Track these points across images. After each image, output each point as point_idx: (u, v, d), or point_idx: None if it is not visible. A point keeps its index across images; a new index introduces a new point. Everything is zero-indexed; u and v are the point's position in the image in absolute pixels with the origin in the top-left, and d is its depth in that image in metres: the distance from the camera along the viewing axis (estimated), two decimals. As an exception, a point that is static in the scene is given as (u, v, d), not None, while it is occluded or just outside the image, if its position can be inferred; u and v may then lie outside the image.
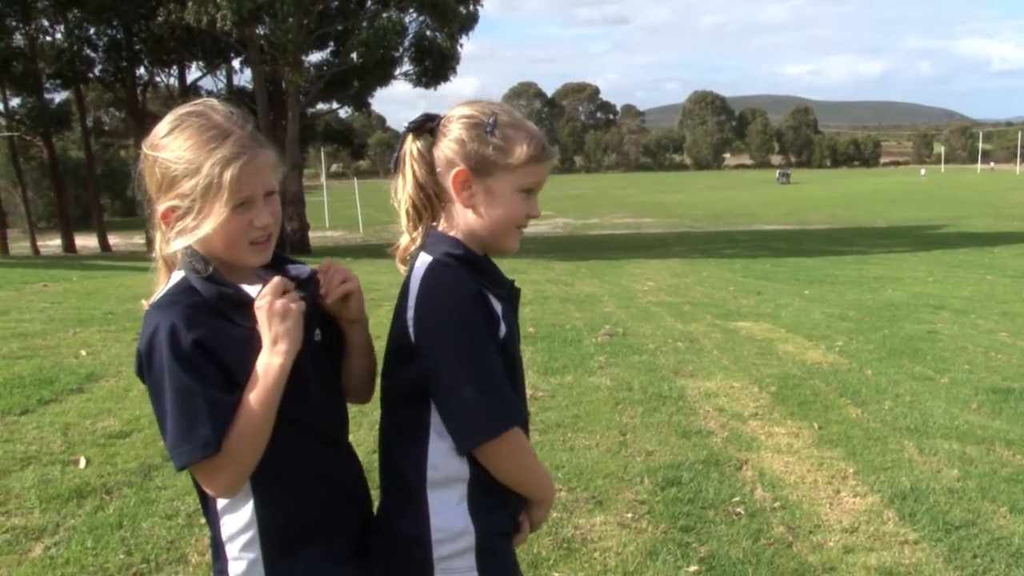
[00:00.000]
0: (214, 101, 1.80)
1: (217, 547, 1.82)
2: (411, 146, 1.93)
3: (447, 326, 1.78)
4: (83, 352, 7.84)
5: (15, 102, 41.93)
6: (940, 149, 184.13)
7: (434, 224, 1.93)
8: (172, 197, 1.73)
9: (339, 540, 1.85)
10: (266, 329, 1.71)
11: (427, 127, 1.92)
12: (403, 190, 1.95)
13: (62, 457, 5.00)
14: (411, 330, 1.81)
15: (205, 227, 1.71)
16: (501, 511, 1.89)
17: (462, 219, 1.89)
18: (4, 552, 3.81)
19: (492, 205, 1.87)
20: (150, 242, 1.87)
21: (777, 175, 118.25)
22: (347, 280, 1.88)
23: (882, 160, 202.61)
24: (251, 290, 1.79)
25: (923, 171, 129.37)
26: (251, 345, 1.72)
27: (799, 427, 5.93)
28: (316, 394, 1.82)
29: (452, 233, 1.90)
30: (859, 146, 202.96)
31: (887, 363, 8.19)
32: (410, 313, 1.83)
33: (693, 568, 3.72)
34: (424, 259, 1.89)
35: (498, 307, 1.86)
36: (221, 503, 1.79)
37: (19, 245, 45.39)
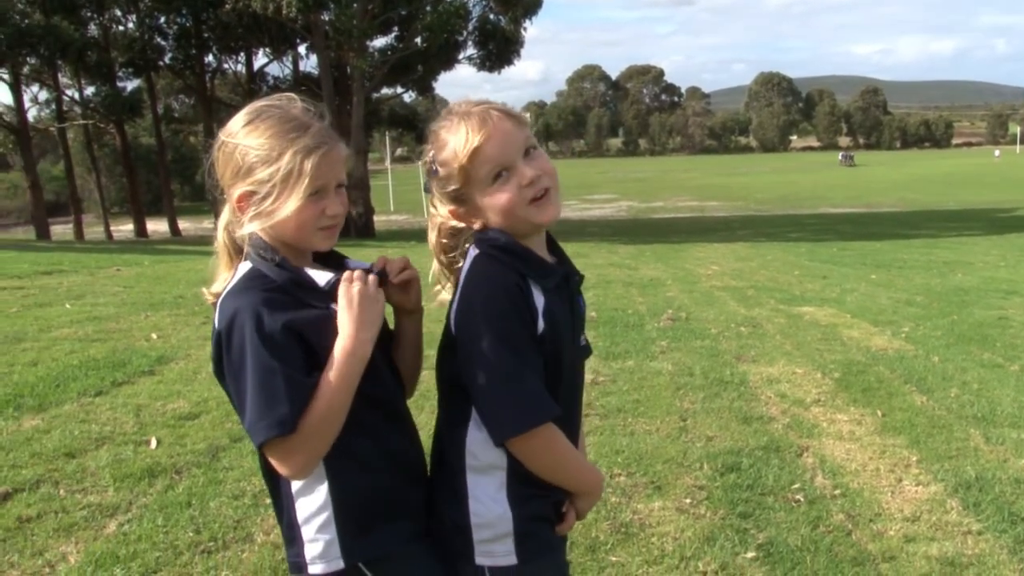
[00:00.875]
0: (293, 95, 1.89)
1: (292, 529, 1.86)
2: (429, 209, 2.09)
3: (481, 319, 1.80)
4: (154, 335, 8.06)
5: (89, 91, 42.96)
6: (1016, 129, 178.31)
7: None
8: (250, 183, 1.81)
9: (408, 518, 1.90)
10: (353, 314, 1.77)
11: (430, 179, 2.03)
12: (434, 234, 2.11)
13: (134, 437, 5.17)
14: (452, 320, 1.86)
15: (283, 211, 1.79)
16: (541, 499, 1.91)
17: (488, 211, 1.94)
18: (81, 528, 3.96)
19: (494, 202, 1.92)
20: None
21: (840, 157, 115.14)
22: (407, 268, 1.94)
23: (954, 141, 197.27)
24: (315, 275, 1.85)
25: (997, 152, 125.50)
26: (328, 326, 1.78)
27: (862, 414, 5.87)
28: (385, 372, 1.90)
29: (484, 218, 1.92)
30: (930, 127, 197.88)
31: (954, 350, 8.04)
32: (454, 306, 1.88)
33: (751, 554, 3.72)
34: (472, 251, 1.93)
35: (539, 300, 1.86)
36: (296, 486, 1.84)
37: (93, 230, 46.62)
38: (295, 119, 1.81)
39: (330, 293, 1.82)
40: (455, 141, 1.86)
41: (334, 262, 1.98)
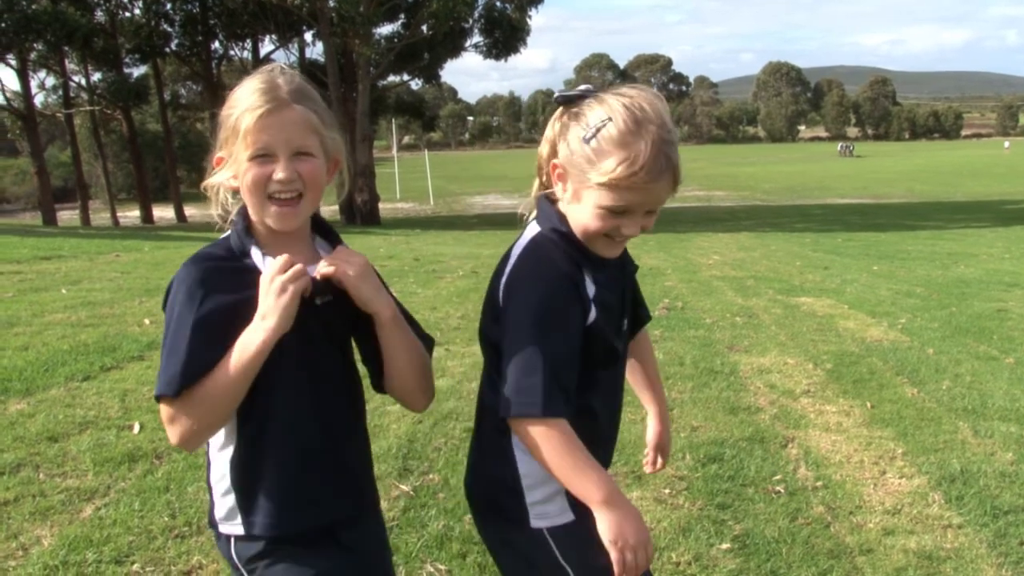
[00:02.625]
0: (284, 67, 1.84)
1: (208, 486, 1.93)
2: (556, 118, 1.91)
3: (529, 298, 1.80)
4: (147, 321, 8.06)
5: (96, 77, 42.99)
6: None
7: (550, 191, 1.94)
8: (219, 147, 1.84)
9: (317, 508, 1.90)
10: (261, 302, 1.74)
11: (576, 102, 1.87)
12: (540, 149, 1.97)
13: (118, 422, 5.17)
14: (501, 292, 1.86)
15: (226, 172, 1.82)
16: None
17: (563, 203, 1.92)
18: (57, 511, 3.96)
19: (577, 209, 1.86)
20: (224, 211, 1.94)
21: (839, 148, 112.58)
22: (349, 259, 1.86)
23: (964, 132, 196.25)
24: (263, 260, 1.83)
25: (1007, 143, 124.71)
26: (249, 311, 1.76)
27: (851, 405, 5.83)
28: (321, 339, 1.86)
29: (559, 208, 1.91)
30: (939, 118, 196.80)
31: (950, 342, 7.99)
32: (504, 277, 1.87)
33: (726, 546, 3.69)
34: (532, 228, 1.93)
35: (591, 290, 1.86)
36: (212, 445, 1.89)
37: (100, 216, 46.71)
38: (264, 83, 1.78)
39: None
40: (627, 153, 1.76)
41: (328, 231, 1.98)
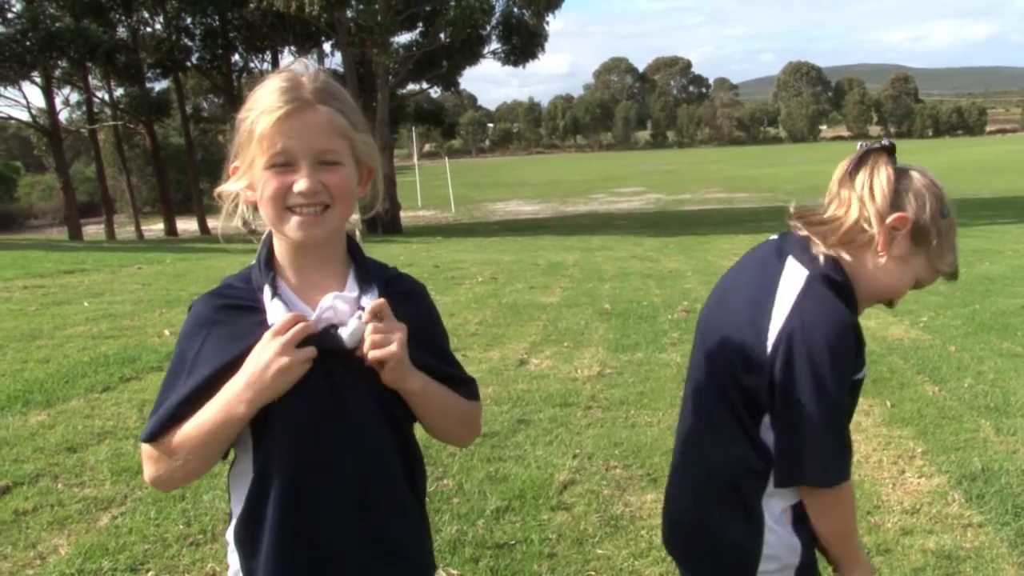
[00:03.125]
0: (307, 61, 1.62)
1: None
2: (886, 167, 1.83)
3: (823, 355, 1.68)
4: (166, 332, 8.11)
5: (119, 92, 43.41)
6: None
7: (812, 230, 1.84)
8: (234, 156, 1.62)
9: None
10: (247, 371, 1.51)
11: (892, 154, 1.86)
12: (841, 187, 1.88)
13: (136, 432, 5.20)
14: (771, 341, 1.73)
15: (241, 181, 1.60)
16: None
17: (869, 256, 1.81)
18: (75, 520, 3.99)
19: (896, 271, 1.81)
20: (245, 223, 1.73)
21: (859, 147, 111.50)
22: (385, 344, 1.55)
23: (988, 128, 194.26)
24: (273, 308, 1.57)
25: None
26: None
27: (871, 405, 5.78)
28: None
29: (838, 253, 1.81)
30: (963, 114, 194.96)
31: (973, 339, 7.90)
32: (776, 323, 1.73)
33: (741, 547, 3.66)
34: (798, 269, 1.80)
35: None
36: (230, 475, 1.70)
37: (125, 230, 47.17)
38: (283, 82, 1.55)
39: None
40: (953, 247, 1.85)
41: (367, 272, 1.67)
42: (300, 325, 1.51)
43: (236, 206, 1.65)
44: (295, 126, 1.52)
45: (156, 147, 45.21)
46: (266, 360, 1.49)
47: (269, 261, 1.63)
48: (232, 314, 1.59)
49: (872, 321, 8.80)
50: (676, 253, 18.38)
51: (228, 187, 1.63)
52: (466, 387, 1.77)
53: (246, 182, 1.59)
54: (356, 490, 1.59)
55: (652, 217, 37.51)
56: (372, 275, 1.66)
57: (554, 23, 37.99)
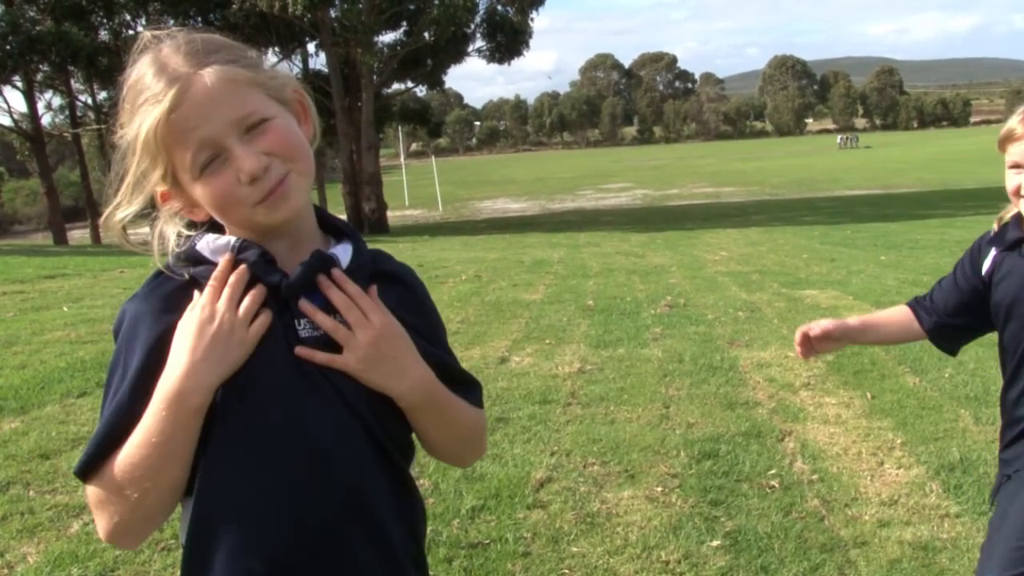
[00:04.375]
0: (152, 31, 1.30)
1: None
2: None
3: None
4: (146, 335, 8.04)
5: (102, 95, 43.19)
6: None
7: None
8: (129, 181, 1.30)
9: None
10: (187, 345, 1.23)
11: None
12: None
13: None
14: None
15: (174, 205, 1.32)
16: None
17: None
18: (45, 528, 3.94)
19: None
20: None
21: (839, 140, 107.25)
22: (346, 338, 1.29)
23: (973, 119, 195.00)
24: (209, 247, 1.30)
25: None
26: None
27: (851, 397, 5.77)
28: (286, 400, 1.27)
29: None
30: (947, 106, 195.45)
31: (955, 329, 7.89)
32: None
33: (716, 543, 3.64)
34: None
35: None
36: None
37: (111, 234, 46.90)
38: (148, 67, 1.24)
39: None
40: None
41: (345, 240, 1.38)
42: (242, 267, 1.25)
43: (163, 233, 1.36)
44: (189, 113, 1.20)
45: (141, 150, 45.04)
46: (204, 333, 1.21)
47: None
48: (180, 298, 1.29)
49: (855, 313, 8.79)
50: (662, 248, 18.37)
51: (122, 212, 1.34)
52: (473, 393, 1.48)
53: (180, 204, 1.31)
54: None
55: (639, 213, 37.51)
56: (352, 237, 1.38)
57: (539, 20, 37.87)
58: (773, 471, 4.44)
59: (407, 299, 1.42)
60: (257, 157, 1.21)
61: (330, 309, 1.29)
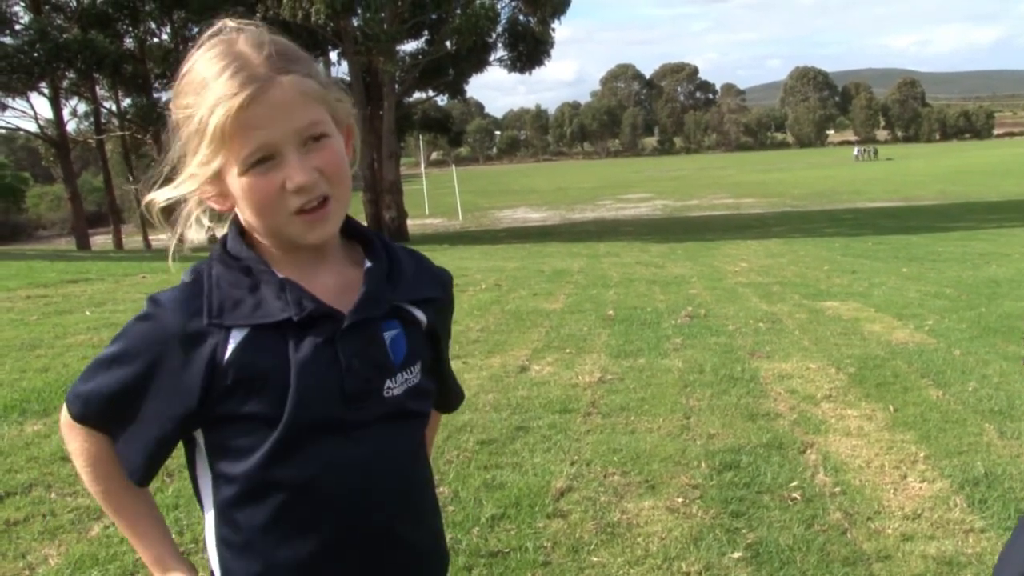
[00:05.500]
0: (237, 23, 1.34)
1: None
2: None
3: None
4: (167, 340, 8.08)
5: (126, 103, 43.56)
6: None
7: None
8: (177, 160, 1.34)
9: None
10: None
11: None
12: None
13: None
14: None
15: (186, 185, 1.33)
16: None
17: None
18: (66, 530, 3.95)
19: None
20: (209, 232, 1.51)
21: (855, 152, 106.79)
22: None
23: (996, 132, 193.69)
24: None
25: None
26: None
27: (873, 409, 5.72)
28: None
29: None
30: (970, 118, 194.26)
31: (978, 342, 7.83)
32: None
33: (738, 554, 3.61)
34: None
35: None
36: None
37: (134, 239, 47.24)
38: (226, 60, 1.27)
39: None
40: None
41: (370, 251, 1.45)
42: None
43: (188, 219, 1.42)
44: (262, 112, 1.25)
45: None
46: None
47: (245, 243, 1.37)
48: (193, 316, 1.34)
49: (877, 325, 8.74)
50: (683, 259, 18.32)
51: (167, 193, 1.36)
52: (457, 403, 1.70)
53: (193, 186, 1.33)
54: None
55: (659, 223, 37.43)
56: (399, 257, 1.45)
57: (560, 30, 37.99)
58: (795, 483, 4.41)
59: (448, 305, 1.54)
60: (309, 171, 1.27)
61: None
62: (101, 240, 46.13)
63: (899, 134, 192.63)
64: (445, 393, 1.62)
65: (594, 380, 6.63)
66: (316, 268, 1.37)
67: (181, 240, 1.45)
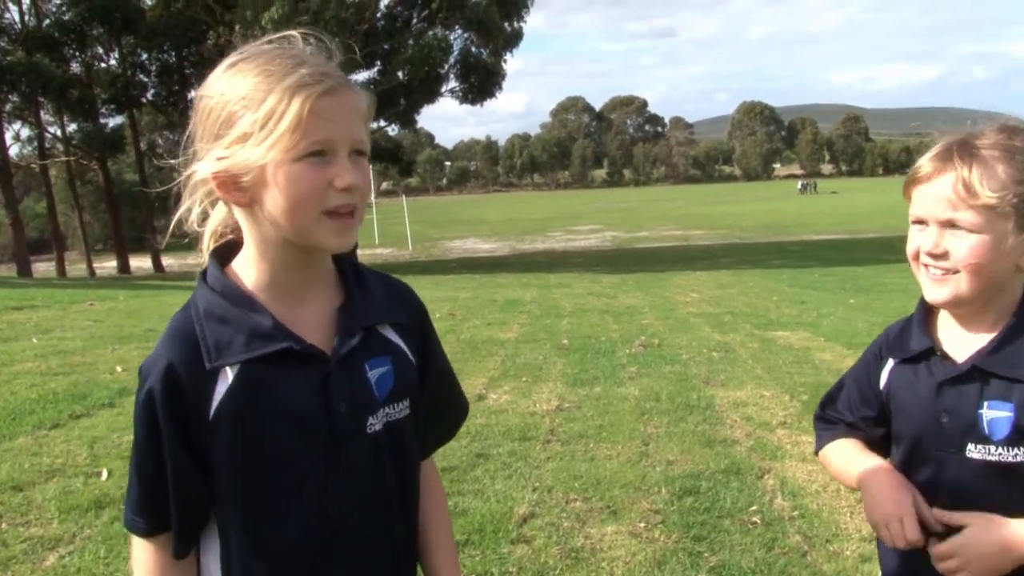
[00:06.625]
0: (293, 34, 1.39)
1: None
2: None
3: None
4: (119, 368, 7.96)
5: (72, 127, 42.96)
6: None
7: None
8: (229, 143, 1.31)
9: None
10: None
11: None
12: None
13: (86, 469, 5.08)
14: None
15: (256, 156, 1.28)
16: None
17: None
18: (19, 561, 3.87)
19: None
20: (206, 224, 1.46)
21: (799, 186, 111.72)
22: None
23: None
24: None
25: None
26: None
27: (827, 436, 5.81)
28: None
29: None
30: (911, 153, 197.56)
31: (926, 371, 7.99)
32: None
33: (701, 577, 3.65)
34: None
35: None
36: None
37: (77, 267, 46.42)
38: (293, 56, 1.32)
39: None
40: None
41: (360, 276, 1.49)
42: None
43: (195, 202, 1.41)
44: (337, 108, 1.29)
45: (109, 183, 44.71)
46: None
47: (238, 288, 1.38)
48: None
49: (828, 354, 8.90)
50: (634, 289, 18.46)
51: (209, 167, 1.34)
52: (462, 418, 1.72)
53: (258, 158, 1.28)
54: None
55: (609, 255, 37.72)
56: (367, 279, 1.49)
57: (511, 62, 38.32)
58: (754, 507, 4.46)
59: (423, 319, 1.60)
60: (355, 174, 1.31)
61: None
62: (43, 267, 45.22)
63: (843, 168, 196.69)
64: (450, 412, 1.66)
65: (552, 408, 6.65)
66: (303, 299, 1.41)
67: (182, 223, 1.43)
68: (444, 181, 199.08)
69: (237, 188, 1.33)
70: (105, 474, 4.98)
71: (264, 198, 1.31)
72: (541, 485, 4.85)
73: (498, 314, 13.12)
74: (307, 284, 1.42)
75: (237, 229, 1.41)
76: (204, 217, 1.43)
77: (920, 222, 1.66)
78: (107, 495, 4.63)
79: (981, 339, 1.61)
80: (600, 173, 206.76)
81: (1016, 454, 1.52)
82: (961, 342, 1.65)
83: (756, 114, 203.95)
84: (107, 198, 45.72)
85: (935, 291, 1.61)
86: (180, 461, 1.32)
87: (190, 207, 1.41)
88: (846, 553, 3.91)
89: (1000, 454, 1.53)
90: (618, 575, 3.68)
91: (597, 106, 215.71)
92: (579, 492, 4.71)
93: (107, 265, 46.59)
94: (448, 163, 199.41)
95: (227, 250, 1.43)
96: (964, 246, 1.56)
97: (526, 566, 3.75)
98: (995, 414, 1.54)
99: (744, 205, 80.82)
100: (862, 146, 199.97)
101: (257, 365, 1.33)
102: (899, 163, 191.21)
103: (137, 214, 55.71)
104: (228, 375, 1.33)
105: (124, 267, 42.82)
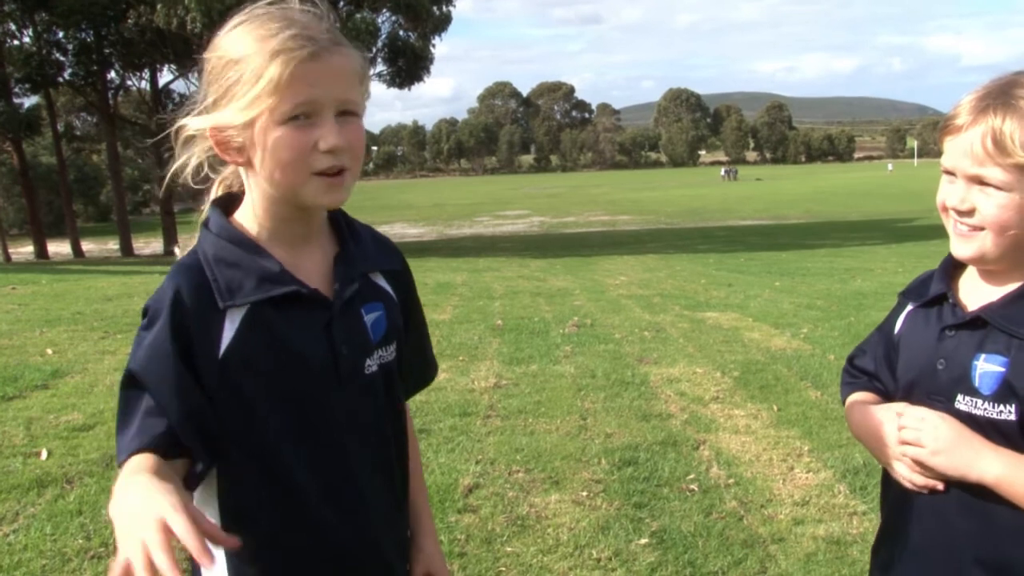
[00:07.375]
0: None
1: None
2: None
3: None
4: (49, 351, 7.83)
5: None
6: (913, 143, 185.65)
7: None
8: (212, 100, 1.38)
9: None
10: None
11: None
12: None
13: (24, 450, 5.02)
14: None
15: (234, 116, 1.34)
16: None
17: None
18: (-37, 539, 3.83)
19: None
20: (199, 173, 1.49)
21: (722, 172, 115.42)
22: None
23: (856, 155, 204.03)
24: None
25: (890, 166, 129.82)
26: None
27: (758, 409, 6.02)
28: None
29: None
30: (833, 141, 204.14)
31: (850, 348, 8.22)
32: None
33: (644, 541, 3.79)
34: None
35: None
36: None
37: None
38: (283, 18, 1.35)
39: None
40: None
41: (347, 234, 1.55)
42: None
43: (190, 156, 1.45)
44: (320, 71, 1.32)
45: (24, 166, 43.35)
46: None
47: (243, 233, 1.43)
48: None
49: (756, 333, 9.15)
50: (563, 273, 18.64)
51: (200, 122, 1.40)
52: (433, 374, 1.84)
53: (234, 120, 1.34)
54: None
55: (537, 240, 37.92)
56: (359, 229, 1.58)
57: (439, 47, 38.10)
58: (691, 476, 4.63)
59: (409, 275, 1.73)
60: (342, 136, 1.35)
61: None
62: (-43, 253, 43.73)
63: (768, 155, 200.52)
64: (422, 365, 1.72)
65: (490, 385, 6.75)
66: (301, 249, 1.46)
67: (177, 176, 1.47)
68: (370, 166, 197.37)
69: (233, 149, 1.38)
70: (45, 454, 4.94)
71: (255, 160, 1.37)
72: (484, 458, 4.95)
73: (430, 296, 13.15)
74: (305, 235, 1.47)
75: (240, 182, 1.47)
76: (198, 172, 1.47)
77: (949, 172, 1.56)
78: (48, 474, 4.60)
79: (999, 293, 1.57)
80: (527, 159, 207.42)
81: (1001, 411, 1.50)
82: (979, 294, 1.61)
83: (682, 101, 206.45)
84: (23, 181, 44.33)
85: (961, 247, 1.56)
86: (194, 396, 1.35)
87: (186, 161, 1.45)
88: (780, 517, 4.09)
89: (986, 409, 1.51)
90: (564, 540, 3.79)
91: (524, 92, 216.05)
92: (521, 464, 4.82)
93: (23, 250, 45.27)
94: (375, 148, 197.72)
95: (228, 201, 1.49)
96: (992, 204, 1.49)
97: (474, 534, 3.84)
98: (988, 367, 1.52)
99: (670, 191, 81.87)
100: (785, 134, 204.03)
101: (264, 308, 1.38)
102: (821, 151, 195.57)
103: (55, 198, 54.25)
104: (236, 318, 1.37)
105: (42, 252, 41.65)
